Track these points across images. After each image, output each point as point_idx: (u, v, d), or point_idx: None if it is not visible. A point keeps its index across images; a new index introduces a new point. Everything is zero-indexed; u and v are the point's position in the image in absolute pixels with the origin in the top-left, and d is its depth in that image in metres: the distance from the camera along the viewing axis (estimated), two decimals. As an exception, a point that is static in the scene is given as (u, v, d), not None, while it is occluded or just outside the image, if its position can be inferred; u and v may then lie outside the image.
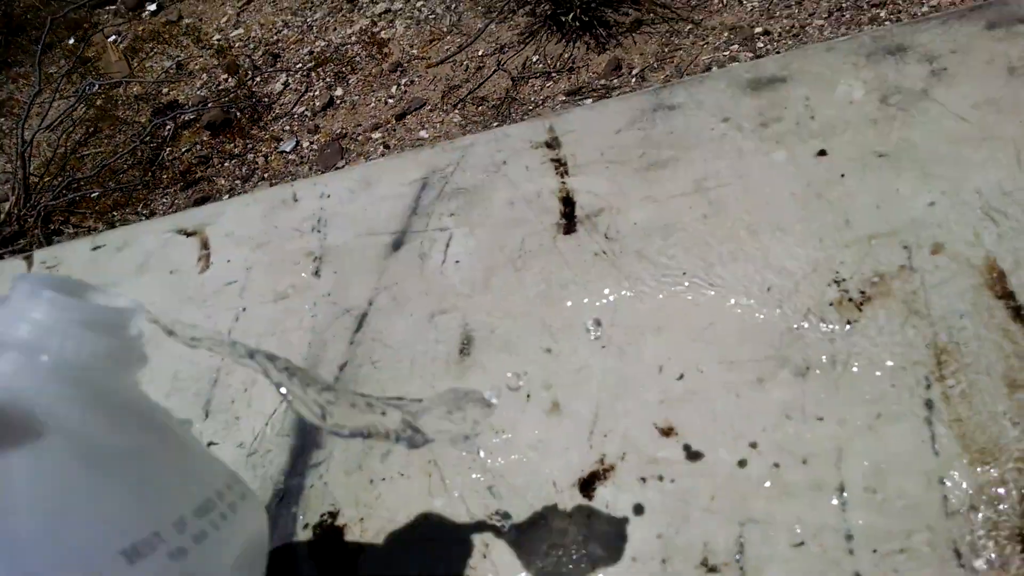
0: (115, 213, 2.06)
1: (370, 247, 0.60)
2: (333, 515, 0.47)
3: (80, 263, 0.70)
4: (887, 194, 0.48)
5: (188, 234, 0.68)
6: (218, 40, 2.45)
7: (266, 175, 2.04)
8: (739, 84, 0.58)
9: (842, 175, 0.50)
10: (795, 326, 0.45)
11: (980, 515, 0.37)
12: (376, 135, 2.01)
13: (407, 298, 0.56)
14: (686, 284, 0.49)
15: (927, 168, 0.48)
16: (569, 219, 0.55)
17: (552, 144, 0.60)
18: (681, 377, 0.46)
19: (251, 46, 2.38)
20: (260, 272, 0.62)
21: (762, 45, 1.75)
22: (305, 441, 0.51)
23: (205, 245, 0.66)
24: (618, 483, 0.43)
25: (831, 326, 0.45)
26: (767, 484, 0.41)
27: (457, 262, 0.56)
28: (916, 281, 0.44)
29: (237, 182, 2.05)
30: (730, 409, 0.44)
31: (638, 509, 0.42)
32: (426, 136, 1.94)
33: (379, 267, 0.58)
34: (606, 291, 0.51)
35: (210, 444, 0.53)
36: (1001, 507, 0.37)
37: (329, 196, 0.65)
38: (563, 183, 0.58)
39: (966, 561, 0.36)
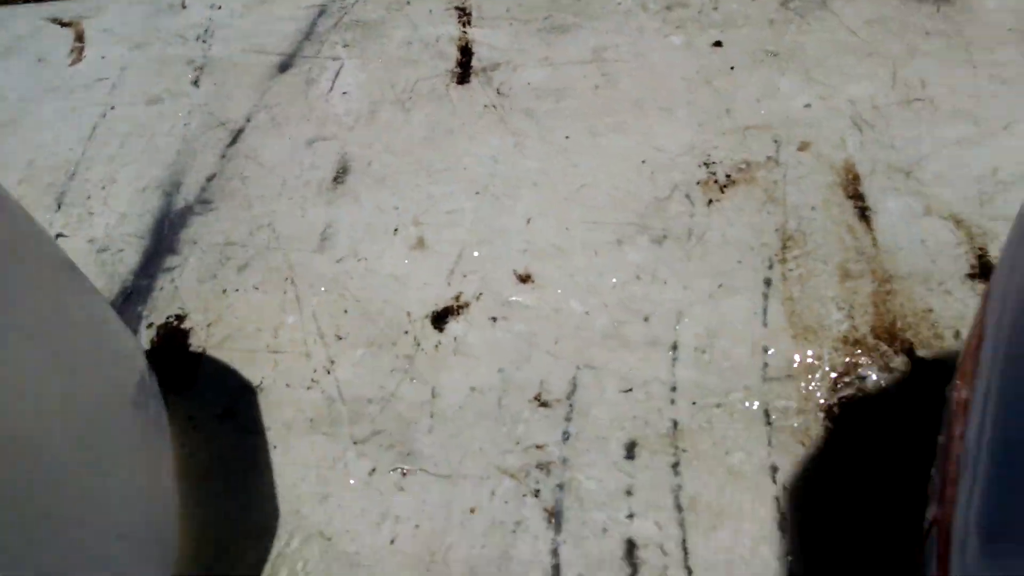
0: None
1: (256, 65, 0.58)
2: (180, 318, 0.46)
3: (-69, 34, 0.64)
4: (769, 90, 0.50)
5: (63, 24, 0.63)
6: None
7: None
8: (653, -35, 0.58)
9: (732, 67, 0.51)
10: (661, 197, 0.47)
11: (794, 384, 0.40)
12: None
13: (287, 120, 0.54)
14: (567, 147, 0.50)
15: (811, 73, 0.50)
16: (464, 68, 0.55)
17: (460, -7, 0.59)
18: (548, 231, 0.47)
19: None
20: (135, 73, 0.59)
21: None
22: (160, 246, 0.49)
23: (80, 38, 0.62)
24: (470, 320, 0.44)
25: (694, 202, 0.47)
26: (609, 335, 0.43)
27: (344, 93, 0.55)
28: (779, 173, 0.47)
29: None
30: (587, 265, 0.45)
31: (484, 344, 0.43)
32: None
33: (262, 86, 0.56)
34: (491, 142, 0.51)
35: (59, 236, 0.51)
36: (813, 380, 0.40)
37: (220, 8, 0.61)
38: (464, 32, 0.57)
39: (774, 421, 0.39)
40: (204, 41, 0.60)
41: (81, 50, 0.61)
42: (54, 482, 0.29)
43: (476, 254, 0.47)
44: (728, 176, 0.47)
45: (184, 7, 0.62)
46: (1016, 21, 0.52)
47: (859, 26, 0.52)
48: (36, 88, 0.59)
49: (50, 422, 0.29)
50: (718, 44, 0.52)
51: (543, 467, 0.39)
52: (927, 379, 0.39)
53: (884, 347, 0.41)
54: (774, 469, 0.39)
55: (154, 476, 0.37)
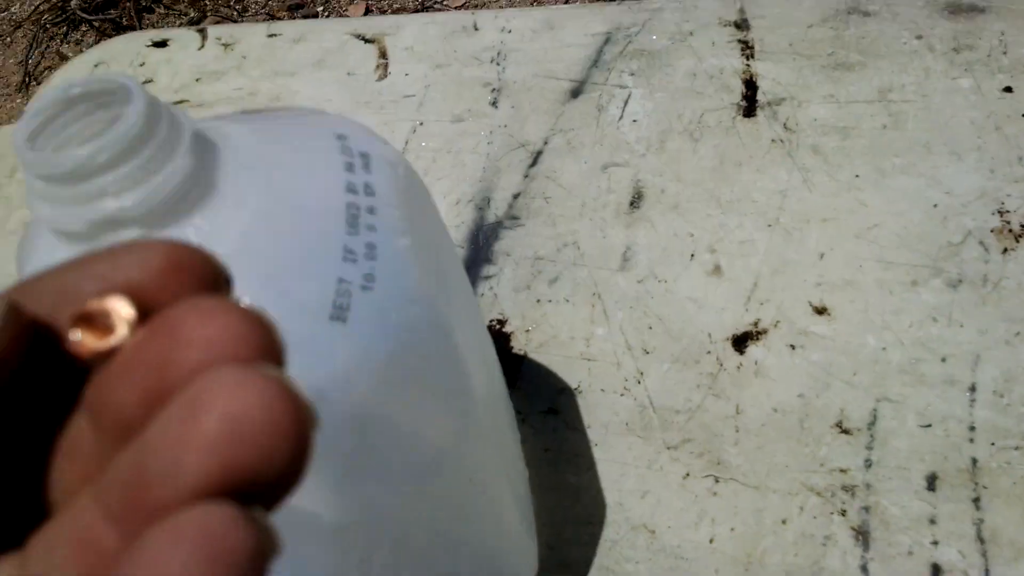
0: (208, 2, 2.05)
1: (548, 89, 0.63)
2: (501, 322, 0.53)
3: (258, 46, 0.73)
4: (1065, 140, 0.51)
5: (366, 40, 0.71)
6: None
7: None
8: (937, 4, 0.60)
9: (1023, 115, 0.53)
10: (954, 242, 0.50)
11: (1092, 433, 0.43)
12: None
13: (581, 144, 0.60)
14: (856, 185, 0.53)
15: (1109, 124, 0.51)
16: (750, 102, 0.59)
17: (741, 25, 0.62)
18: (840, 266, 0.50)
19: None
20: (438, 91, 0.66)
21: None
22: (478, 255, 0.56)
23: (383, 54, 0.70)
24: (769, 345, 0.49)
25: (988, 249, 0.49)
26: (905, 371, 0.46)
27: (634, 120, 0.60)
28: (1077, 225, 0.48)
29: (334, -8, 2.03)
30: (882, 302, 0.49)
31: (783, 369, 0.48)
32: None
33: (556, 110, 0.62)
34: (779, 176, 0.55)
35: (385, 239, 0.58)
36: (1110, 431, 0.43)
37: (510, 32, 0.68)
38: (747, 66, 0.60)
39: (1070, 467, 0.42)
40: (498, 64, 0.66)
41: (386, 66, 0.69)
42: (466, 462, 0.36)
43: (771, 284, 0.51)
44: (1022, 226, 0.49)
45: (476, 29, 0.69)
46: None
47: None
48: (349, 100, 0.67)
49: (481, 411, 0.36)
50: (1008, 90, 0.54)
51: (848, 489, 0.44)
52: None
53: None
54: (1070, 512, 0.41)
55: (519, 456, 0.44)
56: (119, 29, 2.10)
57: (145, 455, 0.10)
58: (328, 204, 0.29)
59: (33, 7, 2.08)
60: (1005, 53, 0.56)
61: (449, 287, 0.35)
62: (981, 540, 0.41)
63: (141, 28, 2.12)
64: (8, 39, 2.10)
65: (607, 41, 0.65)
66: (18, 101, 1.96)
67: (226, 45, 0.75)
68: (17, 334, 0.11)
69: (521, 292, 0.54)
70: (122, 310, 0.11)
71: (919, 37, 0.58)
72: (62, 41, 2.13)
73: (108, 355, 0.11)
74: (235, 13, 2.10)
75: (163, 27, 2.01)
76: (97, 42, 1.94)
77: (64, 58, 1.96)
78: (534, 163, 0.60)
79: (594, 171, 0.58)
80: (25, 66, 2.05)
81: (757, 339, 0.49)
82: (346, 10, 2.04)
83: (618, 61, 0.63)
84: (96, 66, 0.77)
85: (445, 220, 0.58)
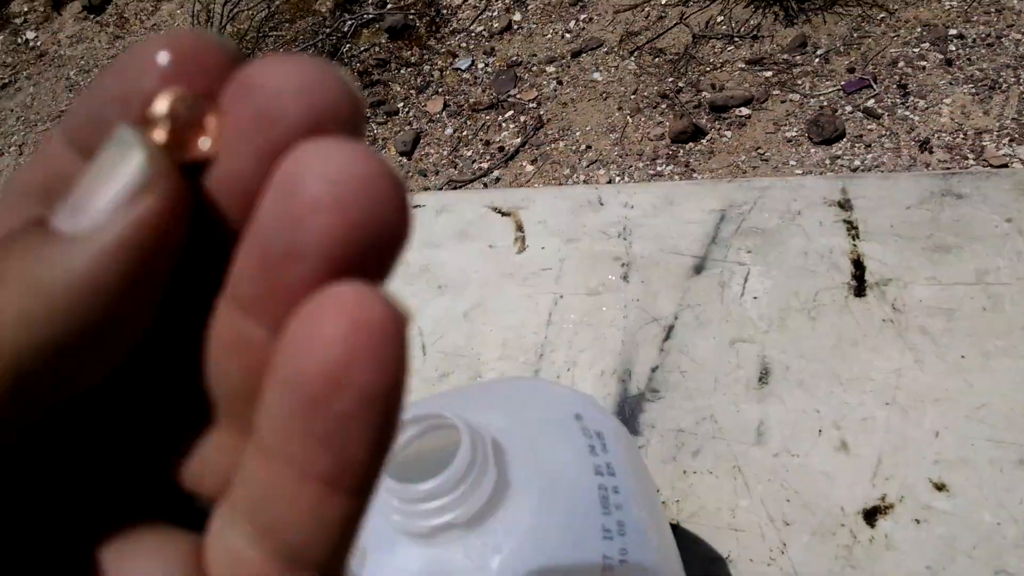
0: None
1: (674, 264, 0.72)
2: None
3: (404, 220, 0.84)
4: None
5: (503, 213, 0.81)
6: (402, -59, 2.51)
7: (440, 89, 2.15)
8: (1023, 187, 0.67)
9: (1114, 299, 0.60)
10: (1058, 424, 0.57)
11: None
12: (550, 68, 2.09)
13: (709, 320, 0.68)
14: (963, 366, 0.61)
15: None
16: (860, 282, 0.66)
17: (844, 205, 0.71)
18: (954, 445, 0.58)
19: (434, -47, 2.44)
20: (572, 265, 0.75)
21: (954, 48, 1.77)
22: (627, 426, 0.65)
23: (520, 228, 0.79)
24: (896, 519, 0.56)
25: (1090, 431, 0.56)
26: (1019, 546, 0.53)
27: (755, 298, 0.68)
28: None
29: (412, 91, 2.17)
30: (995, 479, 0.56)
31: (911, 542, 0.55)
32: (599, 79, 2.02)
33: (683, 285, 0.71)
34: (892, 356, 0.62)
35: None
36: None
37: (632, 207, 0.77)
38: (854, 246, 0.68)
39: None
40: (624, 239, 0.75)
41: (523, 239, 0.78)
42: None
43: (893, 460, 0.58)
44: (1120, 408, 0.56)
45: (601, 204, 0.78)
46: None
47: None
48: (494, 272, 0.77)
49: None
50: (1097, 274, 0.60)
51: (980, 659, 0.50)
52: None
53: None
54: None
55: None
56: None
57: (262, 241, 0.10)
58: (583, 486, 0.38)
59: None
60: (1091, 238, 0.63)
61: (661, 526, 0.43)
62: None
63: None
64: None
65: (722, 219, 0.73)
66: None
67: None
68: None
69: (668, 464, 0.62)
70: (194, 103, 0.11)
71: (1008, 220, 0.66)
72: None
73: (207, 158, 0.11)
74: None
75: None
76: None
77: None
78: (667, 337, 0.68)
79: (723, 346, 0.66)
80: None
81: (885, 513, 0.56)
82: (425, 105, 2.17)
83: (734, 238, 0.72)
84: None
85: (592, 391, 0.66)
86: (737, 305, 0.68)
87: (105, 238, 0.10)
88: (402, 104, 2.18)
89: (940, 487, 0.56)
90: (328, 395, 0.10)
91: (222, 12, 2.35)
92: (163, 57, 0.11)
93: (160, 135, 0.11)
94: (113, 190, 0.10)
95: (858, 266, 0.67)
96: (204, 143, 0.11)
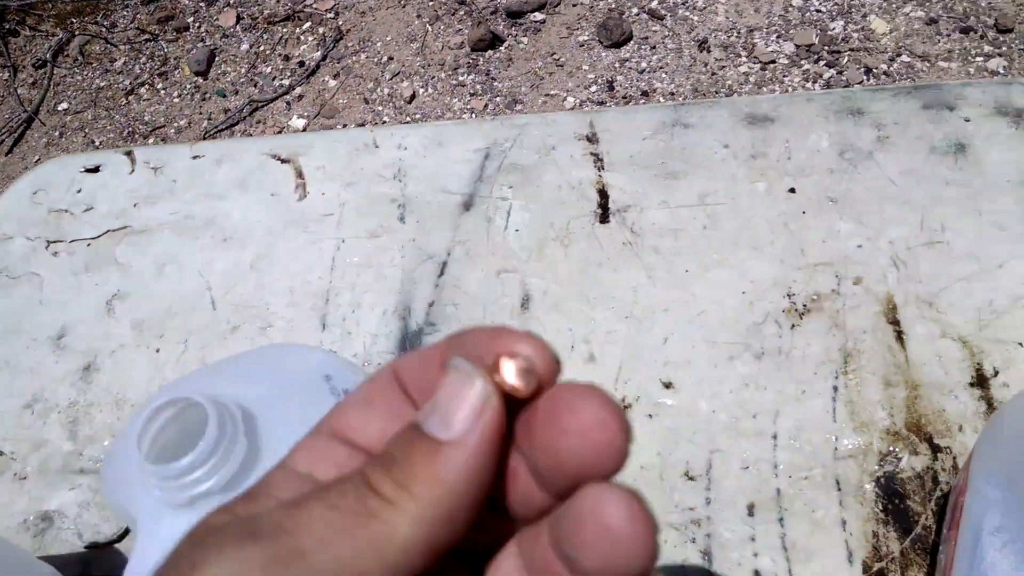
0: (74, 20, 2.03)
1: (445, 203, 0.78)
2: (433, 417, 0.69)
3: (184, 168, 0.84)
4: (831, 232, 0.70)
5: (283, 160, 0.83)
6: None
7: (231, 1, 2.04)
8: (739, 116, 0.77)
9: (803, 212, 0.71)
10: (758, 322, 0.68)
11: (855, 462, 0.62)
12: (345, -23, 2.03)
13: (478, 255, 0.75)
14: (687, 279, 0.71)
15: (861, 217, 0.70)
16: (604, 210, 0.75)
17: (592, 139, 0.78)
18: (679, 348, 0.68)
19: None
20: (352, 209, 0.79)
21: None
22: (406, 360, 0.71)
23: (300, 175, 0.82)
24: (633, 416, 0.66)
25: (781, 326, 0.67)
26: (729, 428, 0.65)
27: (516, 230, 0.75)
28: (840, 303, 0.67)
29: (201, 4, 2.05)
30: (710, 375, 0.67)
31: (646, 435, 0.65)
32: None
33: (454, 223, 0.77)
34: (630, 275, 0.71)
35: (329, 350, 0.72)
36: (867, 460, 0.62)
37: (406, 149, 0.81)
38: (599, 176, 0.76)
39: (843, 487, 0.62)
40: (400, 180, 0.79)
41: (304, 186, 0.81)
42: None
43: (631, 366, 0.68)
44: (805, 306, 0.68)
45: (376, 146, 0.82)
46: (1015, 174, 0.71)
47: (896, 175, 0.71)
48: (278, 220, 0.80)
49: None
50: (792, 191, 0.71)
51: (696, 522, 0.62)
52: (942, 460, 0.61)
53: (913, 437, 0.62)
54: (843, 521, 0.61)
55: None
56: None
57: (559, 543, 0.16)
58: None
59: None
60: (789, 158, 0.74)
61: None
62: (785, 549, 0.60)
63: (9, 54, 2.08)
64: None
65: (487, 156, 0.79)
66: None
67: (155, 168, 0.86)
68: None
69: (445, 389, 0.70)
70: (537, 364, 0.17)
71: (726, 146, 0.75)
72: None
73: (529, 397, 0.17)
74: (103, 29, 2.09)
75: (84, 133, 1.98)
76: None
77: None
78: (441, 273, 0.74)
79: (490, 277, 0.73)
80: None
81: (625, 412, 0.66)
82: (216, 19, 2.06)
83: (497, 175, 0.78)
84: (35, 193, 0.85)
85: (376, 331, 0.72)
86: (502, 238, 0.75)
87: (472, 440, 0.16)
88: (192, 19, 2.07)
89: (667, 385, 0.67)
90: None
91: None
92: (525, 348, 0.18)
93: (509, 371, 0.17)
94: (469, 406, 0.16)
95: (603, 195, 0.75)
96: (520, 384, 0.17)
